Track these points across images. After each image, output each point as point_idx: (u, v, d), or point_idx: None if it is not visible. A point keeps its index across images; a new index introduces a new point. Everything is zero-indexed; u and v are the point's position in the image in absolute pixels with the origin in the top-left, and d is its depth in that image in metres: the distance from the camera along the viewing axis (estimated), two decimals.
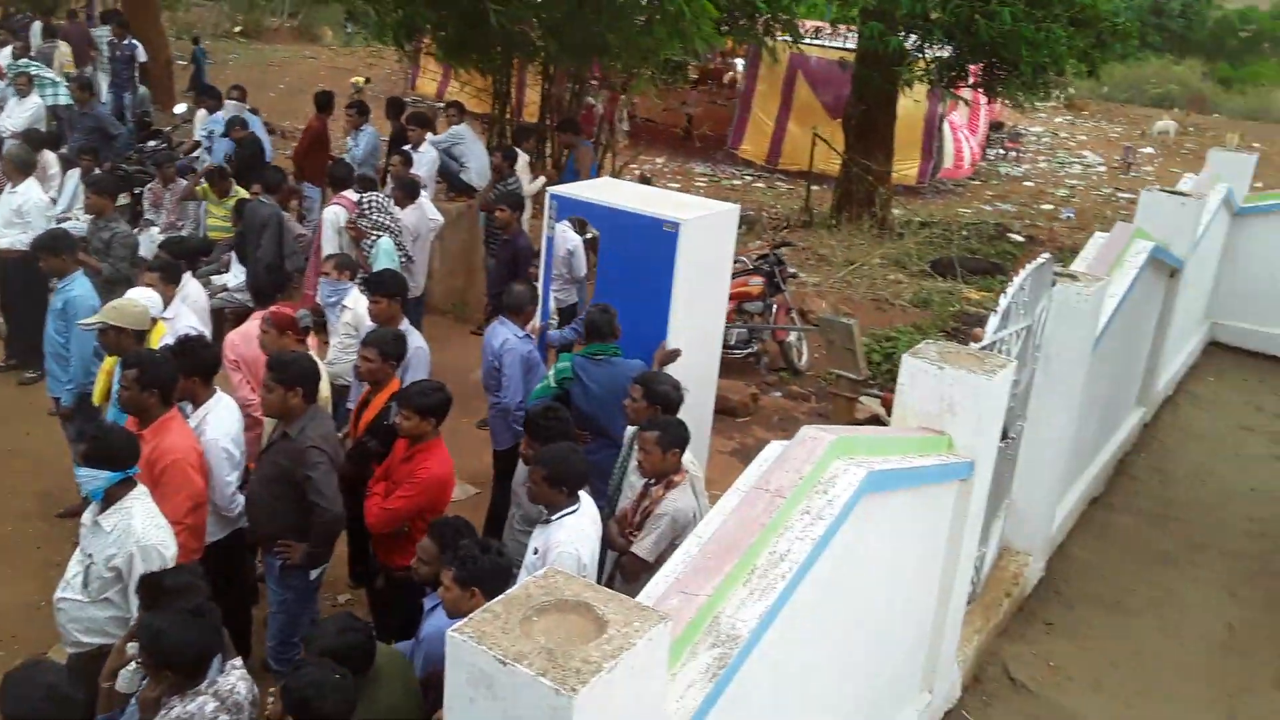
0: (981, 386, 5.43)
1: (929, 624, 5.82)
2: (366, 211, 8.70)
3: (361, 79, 22.46)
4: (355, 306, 7.19)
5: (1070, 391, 7.15)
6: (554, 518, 4.78)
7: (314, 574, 5.46)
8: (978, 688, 6.42)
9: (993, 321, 6.15)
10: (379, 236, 8.63)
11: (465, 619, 3.07)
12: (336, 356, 7.17)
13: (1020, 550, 7.40)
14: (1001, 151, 25.87)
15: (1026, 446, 7.16)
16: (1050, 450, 7.24)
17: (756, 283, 10.75)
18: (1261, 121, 34.12)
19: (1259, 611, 7.44)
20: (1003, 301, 6.19)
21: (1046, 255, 6.86)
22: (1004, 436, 6.51)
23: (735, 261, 10.97)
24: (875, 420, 9.19)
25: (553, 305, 8.56)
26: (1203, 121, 32.88)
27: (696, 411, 7.40)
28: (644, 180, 15.95)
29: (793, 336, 10.87)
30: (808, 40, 19.24)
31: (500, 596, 3.17)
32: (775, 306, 10.87)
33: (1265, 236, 12.13)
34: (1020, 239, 17.32)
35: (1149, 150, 27.69)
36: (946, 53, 15.20)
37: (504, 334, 6.85)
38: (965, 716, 6.17)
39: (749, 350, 10.69)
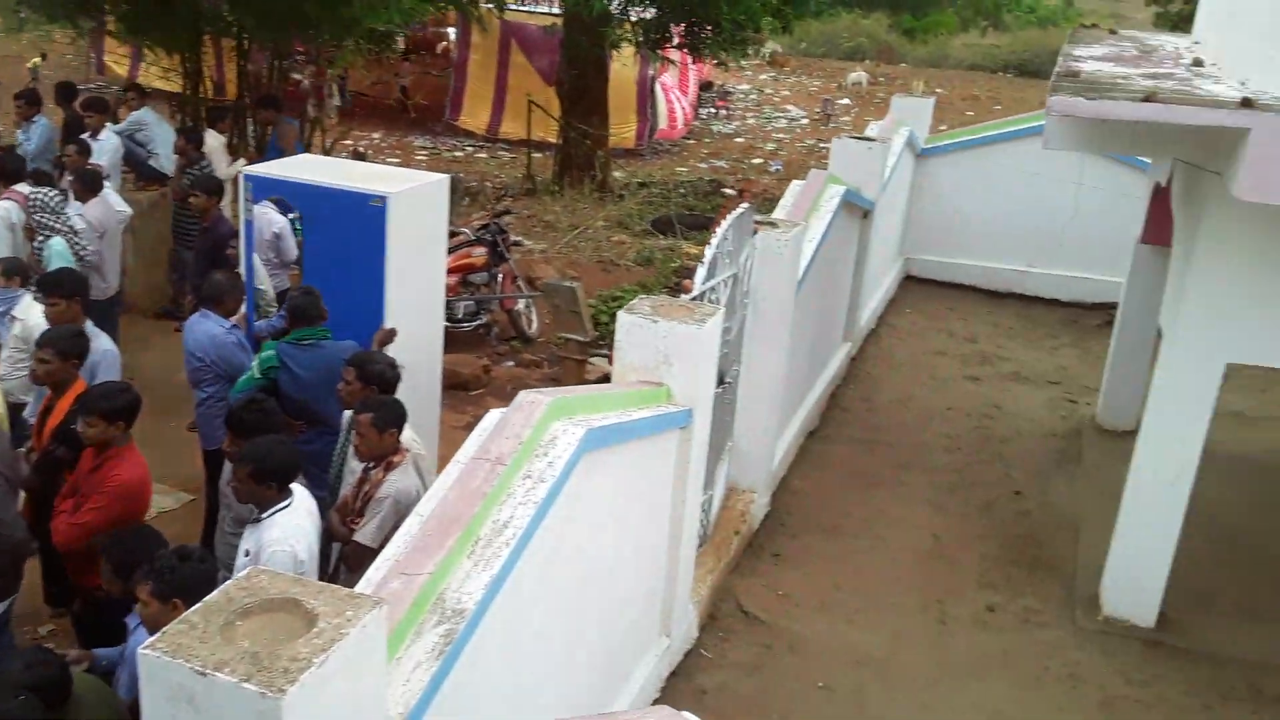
0: (693, 336, 5.62)
1: (663, 571, 6.01)
2: (31, 210, 7.97)
3: (38, 59, 20.44)
4: (26, 317, 6.55)
5: (779, 333, 7.54)
6: (264, 515, 4.58)
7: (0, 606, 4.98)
8: (714, 625, 6.71)
9: (700, 272, 6.38)
10: (48, 236, 7.93)
11: (159, 633, 2.89)
12: (7, 372, 6.53)
13: (746, 489, 7.77)
14: (713, 110, 26.80)
15: (743, 389, 7.51)
16: (766, 391, 7.61)
17: (480, 253, 10.67)
18: (942, 68, 37.00)
19: (958, 520, 8.17)
20: (708, 253, 6.43)
21: (746, 205, 7.17)
22: (720, 382, 6.80)
23: (457, 233, 10.88)
24: (606, 379, 9.35)
25: (271, 292, 8.17)
26: (892, 71, 35.30)
27: (424, 388, 7.29)
28: (358, 156, 15.44)
29: (521, 304, 10.89)
30: (513, 7, 19.15)
31: (197, 605, 3.00)
32: (501, 276, 10.85)
33: (946, 175, 13.23)
34: (734, 193, 18.05)
35: (845, 101, 29.44)
36: (650, 14, 15.54)
37: (207, 327, 6.47)
38: (703, 654, 6.44)
39: (478, 322, 10.62)
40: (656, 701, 6.00)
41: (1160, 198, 8.35)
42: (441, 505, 4.21)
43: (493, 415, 4.78)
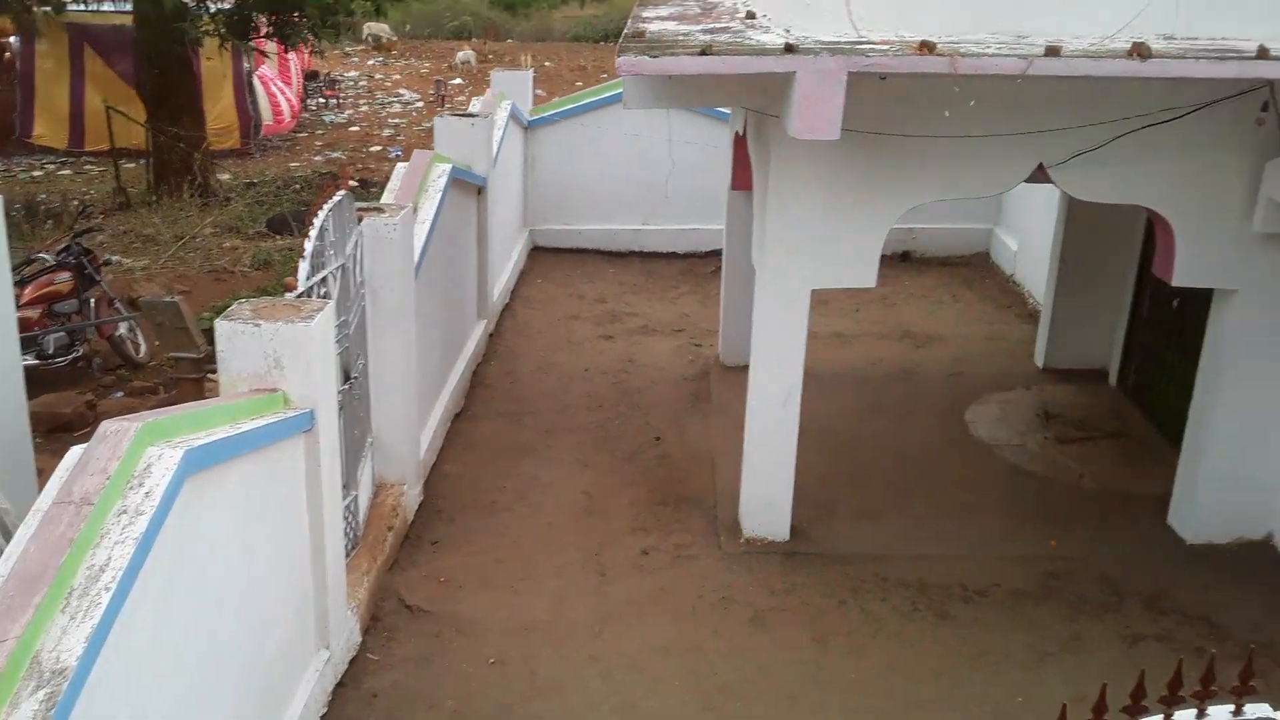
0: (303, 335, 5.35)
1: (309, 583, 5.75)
2: None
3: None
4: None
5: (403, 320, 7.39)
6: None
7: None
8: (378, 625, 6.53)
9: (303, 267, 6.10)
10: None
11: None
12: None
13: (395, 482, 7.60)
14: (322, 100, 25.87)
15: (375, 381, 7.31)
16: (399, 380, 7.45)
17: (64, 279, 9.67)
18: (547, 41, 37.83)
19: (607, 474, 8.44)
20: (308, 246, 6.16)
21: (343, 193, 6.93)
22: (347, 378, 6.57)
23: (33, 260, 9.78)
24: None
25: None
26: (500, 48, 35.66)
27: (8, 437, 6.52)
28: None
29: (123, 329, 9.99)
30: (77, 7, 17.43)
31: None
32: (94, 301, 9.88)
33: (556, 144, 13.53)
34: (354, 184, 17.53)
35: (458, 81, 29.41)
36: (229, 5, 14.67)
37: None
38: (370, 657, 6.25)
39: (74, 355, 9.63)
40: (325, 715, 5.75)
41: (740, 146, 8.97)
42: (22, 561, 3.75)
43: (74, 452, 4.31)
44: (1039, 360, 10.40)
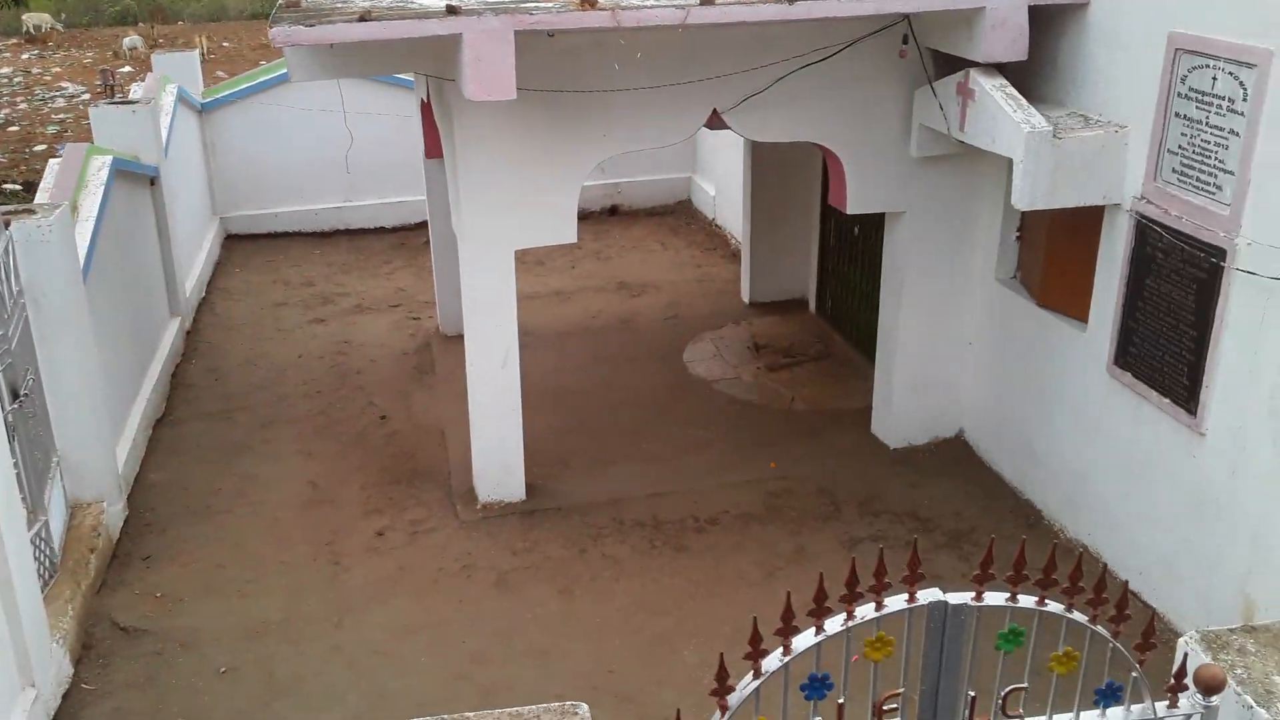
0: None
1: (3, 624, 5.18)
2: None
3: None
4: None
5: (77, 327, 6.75)
6: None
7: None
8: (91, 653, 6.01)
9: None
10: None
11: None
12: None
13: (92, 500, 6.98)
14: None
15: (53, 396, 6.66)
16: (81, 392, 6.82)
17: None
18: (223, 21, 35.62)
19: (333, 461, 8.12)
20: None
21: None
22: (15, 396, 5.95)
23: None
24: None
25: None
26: (170, 30, 33.22)
27: None
28: None
29: None
30: None
31: None
32: None
33: (238, 126, 12.74)
34: (18, 187, 15.91)
35: (128, 69, 27.19)
36: None
37: None
38: (85, 688, 5.74)
39: None
40: None
41: (426, 113, 8.77)
42: None
43: None
44: (745, 296, 10.88)
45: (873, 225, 8.47)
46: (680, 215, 13.84)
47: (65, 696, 5.66)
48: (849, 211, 7.51)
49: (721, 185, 12.96)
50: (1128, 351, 6.35)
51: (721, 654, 2.46)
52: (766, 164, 10.32)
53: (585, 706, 2.70)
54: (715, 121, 7.07)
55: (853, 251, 9.62)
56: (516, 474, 7.44)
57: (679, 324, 10.40)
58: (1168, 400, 6.02)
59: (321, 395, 9.18)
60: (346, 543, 7.08)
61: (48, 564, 6.17)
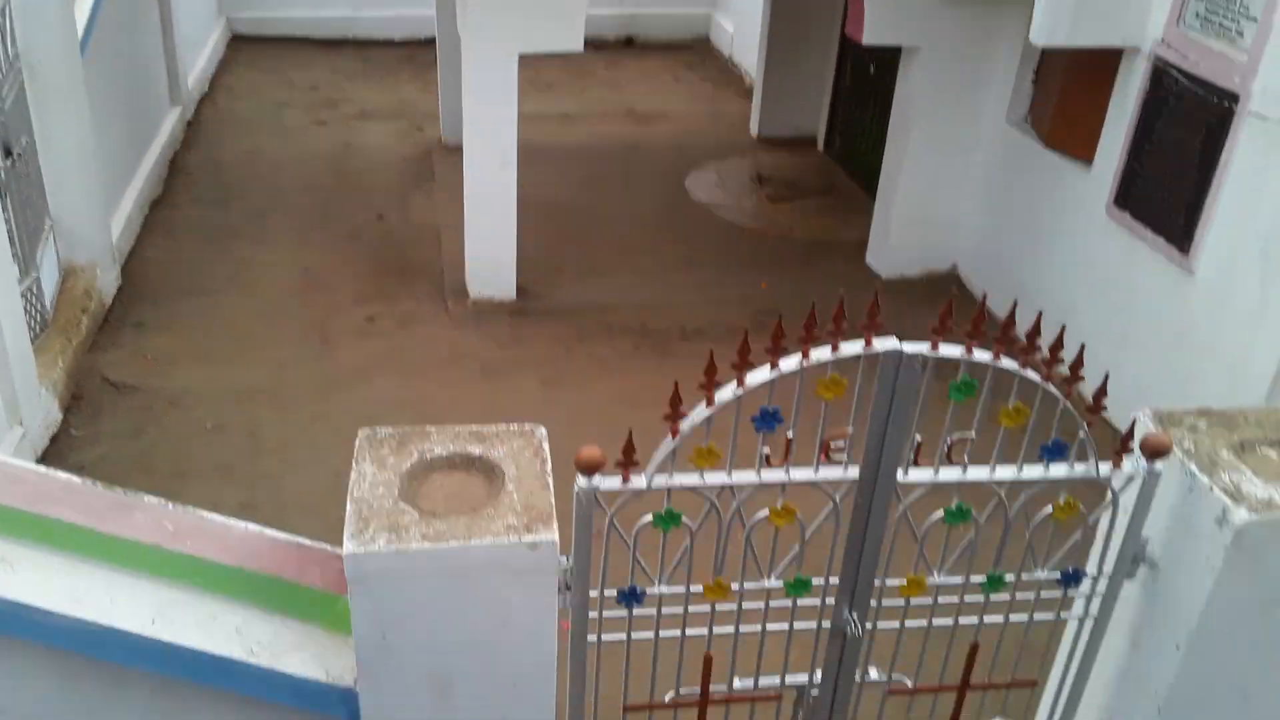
0: None
1: None
2: None
3: None
4: None
5: (73, 97, 6.66)
6: None
7: None
8: (80, 403, 6.13)
9: None
10: None
11: None
12: None
13: (86, 265, 7.01)
14: None
15: (47, 162, 6.62)
16: (75, 160, 6.77)
17: None
18: None
19: (327, 251, 8.13)
20: None
21: None
22: (7, 154, 5.92)
23: None
24: None
25: None
26: None
27: None
28: None
29: None
30: None
31: None
32: None
33: None
34: None
35: None
36: None
37: None
38: (73, 433, 5.87)
39: None
40: None
41: None
42: None
43: None
44: (754, 131, 10.74)
45: (888, 66, 8.29)
46: (697, 51, 13.54)
47: (53, 440, 5.80)
48: (864, 41, 7.33)
49: (740, 23, 12.63)
50: (1129, 193, 6.31)
51: (676, 382, 2.49)
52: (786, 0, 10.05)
53: (543, 429, 2.76)
54: None
55: (866, 92, 9.45)
56: (508, 274, 7.46)
57: (684, 153, 10.28)
58: (1162, 239, 6.01)
59: (319, 192, 9.14)
60: (336, 325, 7.15)
61: (38, 318, 6.24)
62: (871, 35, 7.31)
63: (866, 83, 9.42)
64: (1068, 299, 6.82)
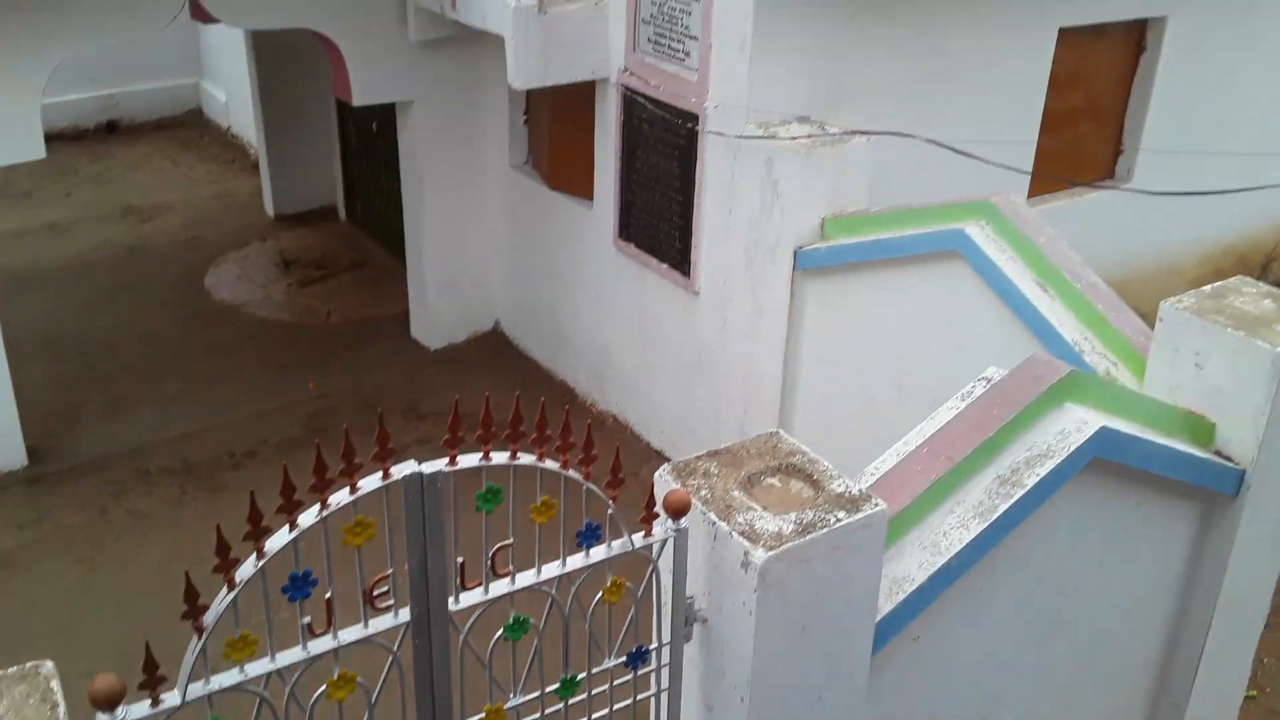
0: None
1: None
2: None
3: None
4: None
5: None
6: None
7: None
8: None
9: None
10: None
11: None
12: None
13: None
14: None
15: None
16: None
17: None
18: None
19: None
20: None
21: None
22: None
23: None
24: None
25: None
26: None
27: None
28: None
29: None
30: None
31: None
32: None
33: None
34: None
35: None
36: None
37: None
38: None
39: None
40: None
41: None
42: None
43: None
44: (270, 210, 10.27)
45: (391, 122, 8.23)
46: (192, 127, 12.70)
47: None
48: (355, 103, 7.21)
49: (232, 90, 11.99)
50: (629, 224, 6.69)
51: (186, 572, 2.24)
52: (274, 61, 9.65)
53: (50, 664, 2.38)
54: (201, 13, 6.42)
55: (375, 151, 9.32)
56: (11, 436, 6.57)
57: (199, 246, 9.62)
58: (666, 266, 6.44)
59: None
60: None
61: None
62: (361, 96, 7.20)
63: (373, 141, 9.28)
64: (602, 337, 7.15)
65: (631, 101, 6.35)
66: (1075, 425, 3.19)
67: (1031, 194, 6.85)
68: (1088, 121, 7.39)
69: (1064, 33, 6.71)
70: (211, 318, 8.46)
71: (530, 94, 7.40)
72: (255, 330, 8.30)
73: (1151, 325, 3.71)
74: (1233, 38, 7.57)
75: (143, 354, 7.91)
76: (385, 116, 8.51)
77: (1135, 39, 7.29)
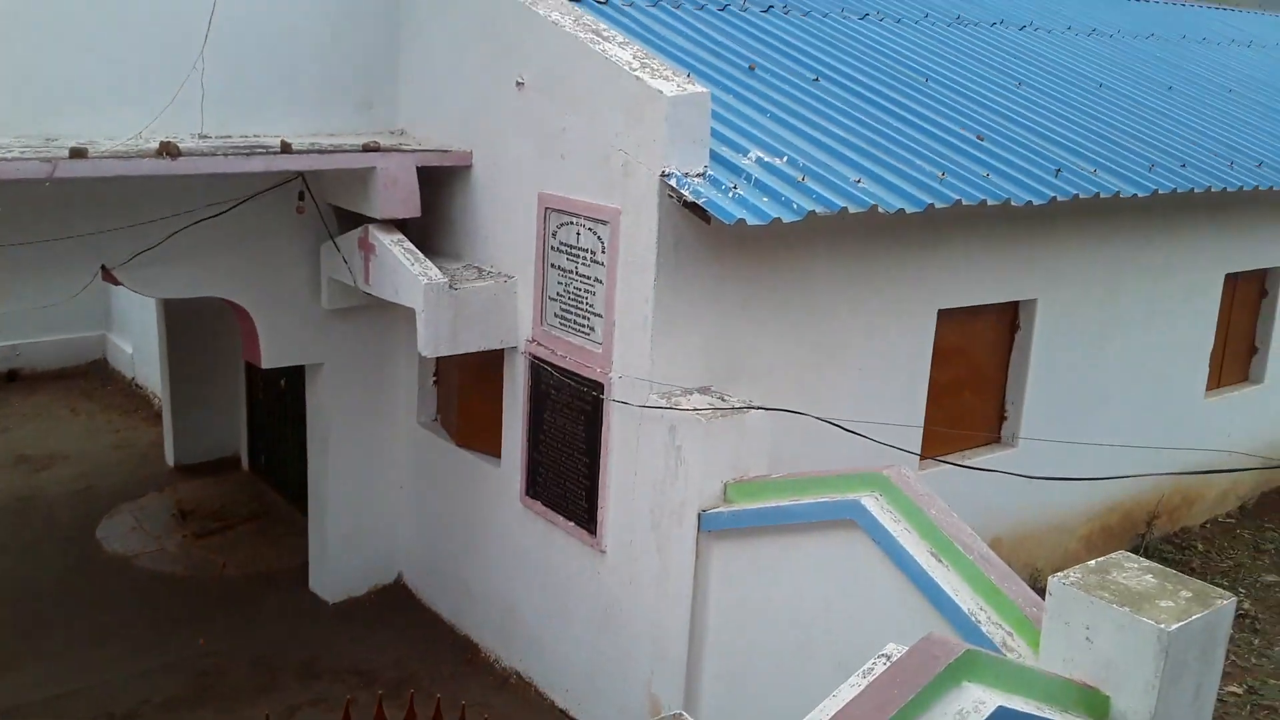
0: None
1: None
2: None
3: None
4: None
5: None
6: None
7: None
8: None
9: None
10: None
11: None
12: None
13: None
14: None
15: None
16: None
17: None
18: None
19: None
20: None
21: None
22: None
23: None
24: None
25: None
26: None
27: None
28: None
29: None
30: None
31: None
32: None
33: None
34: None
35: None
36: None
37: None
38: None
39: None
40: None
41: None
42: None
43: None
44: (170, 460, 10.14)
45: (300, 376, 8.36)
46: (95, 377, 12.63)
47: None
48: (263, 365, 7.34)
49: (140, 342, 12.05)
50: (536, 482, 6.81)
51: None
52: (182, 317, 9.81)
53: None
54: (110, 278, 6.59)
55: (282, 404, 9.39)
56: None
57: (93, 497, 9.39)
58: (572, 524, 6.53)
59: None
60: None
61: None
62: (270, 359, 7.33)
63: (281, 396, 9.36)
64: (508, 595, 7.11)
65: (539, 369, 6.62)
66: (973, 705, 3.28)
67: (924, 457, 7.21)
68: (971, 391, 7.90)
69: (944, 312, 7.28)
70: (101, 570, 8.17)
71: (440, 357, 7.65)
72: (146, 583, 8.02)
73: (1046, 588, 3.90)
74: (1100, 316, 8.29)
75: (22, 610, 7.56)
76: (294, 371, 8.65)
77: (1010, 317, 7.93)
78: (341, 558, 7.86)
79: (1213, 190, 7.95)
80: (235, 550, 8.57)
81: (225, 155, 5.79)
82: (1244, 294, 9.77)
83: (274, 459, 9.70)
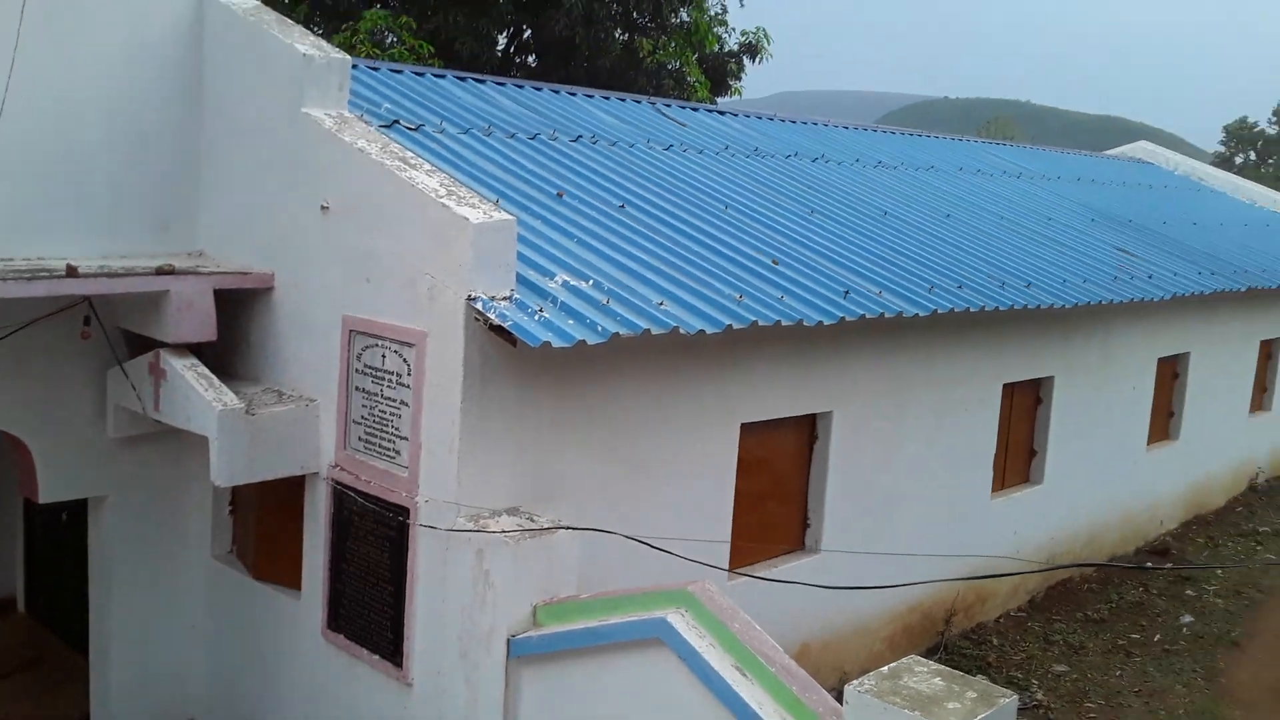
0: None
1: None
2: None
3: None
4: None
5: None
6: None
7: None
8: None
9: None
10: None
11: None
12: None
13: None
14: None
15: None
16: None
17: None
18: None
19: None
20: None
21: None
22: None
23: None
24: None
25: None
26: None
27: None
28: None
29: None
30: None
31: None
32: None
33: None
34: None
35: None
36: None
37: None
38: None
39: None
40: None
41: None
42: None
43: None
44: None
45: (84, 510, 7.84)
46: None
47: None
48: (41, 501, 6.88)
49: None
50: (338, 614, 6.56)
51: None
52: None
53: None
54: None
55: (64, 541, 8.74)
56: None
57: None
58: (377, 657, 6.30)
59: None
60: None
61: None
62: (48, 493, 6.89)
63: (62, 531, 8.73)
64: None
65: (342, 495, 6.45)
66: None
67: (732, 569, 7.34)
68: (776, 501, 8.14)
69: (746, 426, 7.52)
70: None
71: (237, 485, 7.35)
72: None
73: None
74: (891, 426, 8.73)
75: None
76: (77, 504, 8.12)
77: (808, 429, 8.26)
78: (127, 706, 7.31)
79: (986, 309, 8.59)
80: (10, 703, 7.84)
81: (4, 280, 5.49)
82: (1021, 402, 10.50)
83: (54, 600, 8.99)
